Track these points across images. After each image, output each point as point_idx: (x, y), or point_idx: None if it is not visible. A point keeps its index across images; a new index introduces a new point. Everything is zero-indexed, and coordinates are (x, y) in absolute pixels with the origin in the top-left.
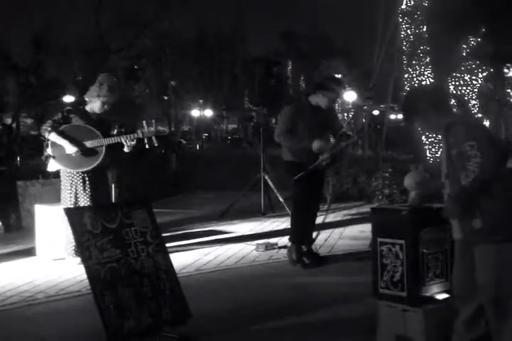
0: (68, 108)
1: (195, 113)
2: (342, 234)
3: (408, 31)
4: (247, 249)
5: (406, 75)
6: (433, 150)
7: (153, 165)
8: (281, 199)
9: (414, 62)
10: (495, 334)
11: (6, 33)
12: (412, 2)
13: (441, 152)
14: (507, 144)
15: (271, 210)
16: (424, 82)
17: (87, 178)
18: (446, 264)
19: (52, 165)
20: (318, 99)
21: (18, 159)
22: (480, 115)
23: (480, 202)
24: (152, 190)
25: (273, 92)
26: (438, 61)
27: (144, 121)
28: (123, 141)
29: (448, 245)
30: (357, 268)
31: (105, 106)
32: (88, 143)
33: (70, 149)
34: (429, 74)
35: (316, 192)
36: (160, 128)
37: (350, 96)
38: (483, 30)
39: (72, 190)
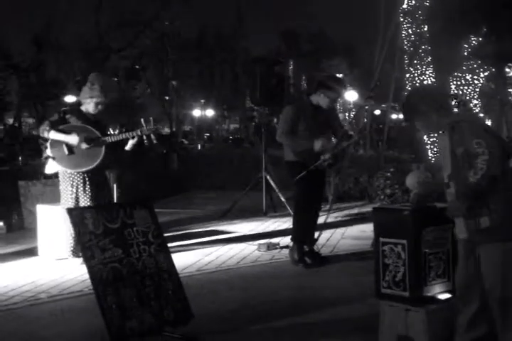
0: (64, 109)
1: (196, 113)
2: (344, 233)
3: (409, 30)
4: (249, 249)
5: (407, 75)
6: (435, 149)
7: (155, 165)
8: (283, 199)
9: (415, 61)
10: (501, 334)
11: (6, 32)
12: (413, 1)
13: (441, 152)
14: (509, 143)
15: (273, 210)
16: (425, 82)
17: (87, 179)
18: (449, 264)
19: (50, 168)
20: (319, 99)
21: (20, 159)
22: (481, 114)
23: (487, 200)
24: (154, 189)
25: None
26: (439, 60)
27: (142, 119)
28: (124, 137)
29: (450, 245)
30: (359, 267)
31: (99, 107)
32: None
33: (73, 139)
34: (430, 74)
35: (318, 192)
36: (158, 126)
37: (351, 95)
38: (485, 29)
39: (73, 191)
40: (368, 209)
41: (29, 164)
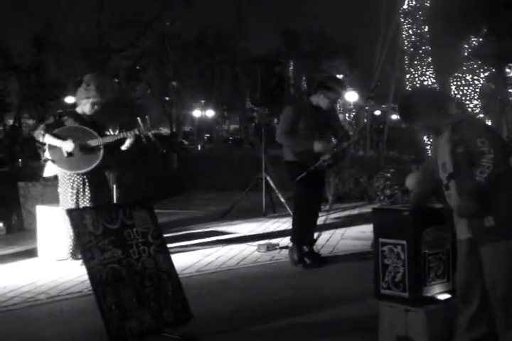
0: (60, 111)
1: (196, 113)
2: (343, 234)
3: (410, 31)
4: (249, 249)
5: (408, 75)
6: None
7: (155, 165)
8: (282, 200)
9: (415, 62)
10: (502, 333)
11: (6, 33)
12: (414, 2)
13: (436, 153)
14: (508, 142)
15: (272, 211)
16: (425, 82)
17: (86, 180)
18: (448, 264)
19: (49, 171)
20: (319, 100)
21: (20, 160)
22: (482, 115)
23: (492, 199)
24: (153, 190)
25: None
26: (440, 61)
27: (139, 118)
28: (121, 137)
29: (450, 245)
30: (358, 268)
31: (95, 107)
32: (87, 143)
33: (68, 146)
34: (430, 74)
35: (318, 193)
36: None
37: (351, 96)
38: (485, 30)
39: (73, 193)
40: (368, 209)
41: (29, 165)
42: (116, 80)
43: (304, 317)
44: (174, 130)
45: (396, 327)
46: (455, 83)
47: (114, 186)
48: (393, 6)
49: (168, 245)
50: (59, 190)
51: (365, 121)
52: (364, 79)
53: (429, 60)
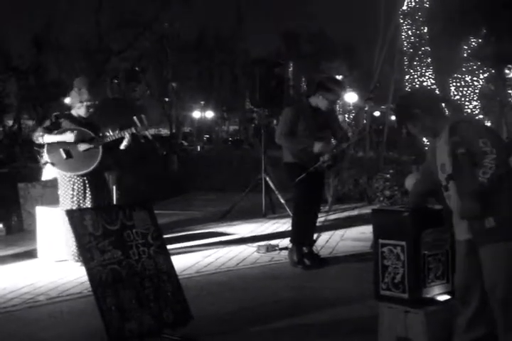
0: (56, 114)
1: (196, 114)
2: (343, 235)
3: (409, 32)
4: (248, 250)
5: (407, 76)
6: None
7: (155, 166)
8: (282, 201)
9: (415, 63)
10: (502, 334)
11: (6, 34)
12: (413, 3)
13: (433, 155)
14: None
15: (272, 212)
16: (425, 83)
17: (87, 181)
18: (448, 266)
19: (47, 174)
20: (318, 101)
21: (20, 161)
22: (481, 116)
23: (493, 200)
24: (153, 191)
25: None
26: (439, 62)
27: (135, 117)
28: (119, 136)
29: (449, 246)
30: (358, 269)
31: (90, 110)
32: (84, 146)
33: (70, 137)
34: (430, 75)
35: (317, 194)
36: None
37: (351, 97)
38: (484, 31)
39: (74, 194)
40: (367, 210)
41: (28, 166)
42: (116, 81)
43: (303, 318)
44: (174, 131)
45: (396, 328)
46: (454, 84)
47: (114, 187)
48: (392, 6)
49: (168, 246)
50: (59, 192)
51: (365, 122)
52: (363, 80)
53: (429, 60)
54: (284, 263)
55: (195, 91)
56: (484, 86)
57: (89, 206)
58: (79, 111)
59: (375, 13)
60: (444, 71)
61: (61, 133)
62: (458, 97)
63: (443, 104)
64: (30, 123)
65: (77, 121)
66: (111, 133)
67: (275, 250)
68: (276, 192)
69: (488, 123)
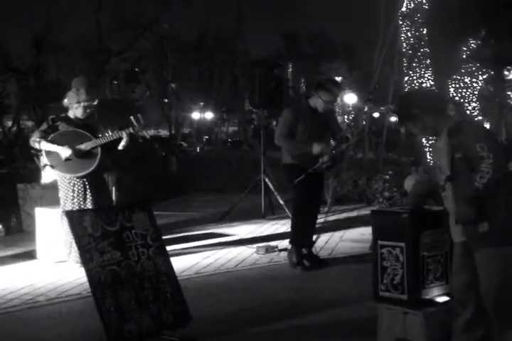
0: (52, 117)
1: (195, 115)
2: (342, 236)
3: (408, 33)
4: (247, 251)
5: (406, 78)
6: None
7: (154, 167)
8: (281, 202)
9: (414, 64)
10: (498, 336)
11: (5, 34)
12: (412, 4)
13: (436, 154)
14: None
15: (271, 213)
16: (424, 85)
17: (87, 183)
18: (447, 267)
19: (47, 177)
20: (317, 101)
21: (19, 162)
22: (480, 117)
23: (487, 205)
24: (152, 192)
25: (273, 94)
26: (438, 63)
27: (132, 117)
28: (116, 137)
29: (448, 248)
30: (357, 270)
31: (87, 111)
32: (83, 146)
33: (65, 152)
34: (429, 77)
35: (316, 195)
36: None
37: (350, 98)
38: (484, 32)
39: (74, 196)
40: (367, 211)
41: (28, 167)
42: (115, 82)
43: (302, 319)
44: (173, 132)
45: (395, 329)
46: (453, 85)
47: (114, 188)
48: (392, 8)
49: (167, 247)
50: (59, 194)
51: (364, 123)
52: (363, 81)
53: (428, 62)
54: (283, 264)
55: (195, 93)
56: (483, 87)
57: (90, 207)
58: (76, 111)
59: (374, 14)
60: (443, 72)
61: (58, 139)
62: (457, 99)
63: (447, 104)
64: (30, 124)
65: (73, 123)
66: (109, 134)
67: (274, 251)
68: (276, 193)
69: (487, 125)
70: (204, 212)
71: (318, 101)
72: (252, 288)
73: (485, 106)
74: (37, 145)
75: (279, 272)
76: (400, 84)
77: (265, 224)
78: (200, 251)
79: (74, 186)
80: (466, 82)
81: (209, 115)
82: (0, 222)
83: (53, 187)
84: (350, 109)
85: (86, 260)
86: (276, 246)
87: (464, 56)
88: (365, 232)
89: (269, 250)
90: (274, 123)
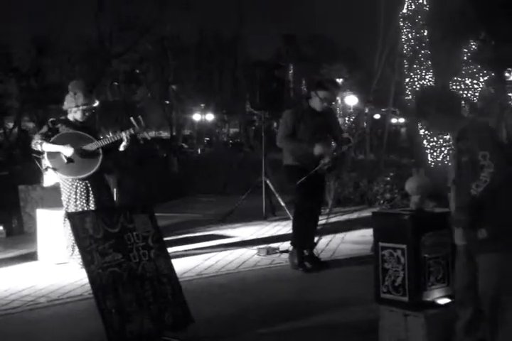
0: (52, 120)
1: (196, 117)
2: (343, 238)
3: (409, 35)
4: (249, 253)
5: (407, 79)
6: (434, 154)
7: (155, 169)
8: (282, 204)
9: (415, 66)
10: (491, 338)
11: (6, 36)
12: (413, 6)
13: (450, 157)
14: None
15: (272, 214)
16: (425, 86)
17: (89, 184)
18: (448, 269)
19: (49, 180)
20: (315, 101)
21: (21, 163)
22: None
23: (486, 212)
24: (154, 194)
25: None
26: (439, 65)
27: (132, 118)
28: (117, 138)
29: (449, 250)
30: (358, 272)
31: (86, 114)
32: (88, 146)
33: (67, 151)
34: (430, 78)
35: (317, 197)
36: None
37: (351, 100)
38: (484, 34)
39: (77, 198)
40: (368, 213)
41: (29, 168)
42: (116, 84)
43: (304, 320)
44: (174, 134)
45: (396, 331)
46: (454, 87)
47: (115, 190)
48: (393, 9)
49: (168, 249)
50: (62, 197)
51: (365, 124)
52: (364, 82)
53: (429, 63)
54: (284, 266)
55: (196, 94)
56: (484, 89)
57: (93, 208)
58: (75, 115)
59: (375, 15)
60: (444, 74)
61: (60, 140)
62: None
63: (461, 104)
64: (31, 125)
65: (73, 125)
66: (111, 135)
67: (276, 253)
68: (277, 195)
69: None
70: (205, 213)
71: (316, 99)
72: (253, 290)
73: (486, 108)
74: (39, 148)
75: (281, 274)
76: (400, 85)
77: (266, 225)
78: (201, 253)
79: (76, 188)
80: (467, 84)
81: (210, 116)
82: (1, 224)
83: (54, 188)
84: (351, 110)
85: (87, 262)
86: (278, 248)
87: (465, 58)
88: (366, 234)
89: (270, 252)
90: (275, 124)
